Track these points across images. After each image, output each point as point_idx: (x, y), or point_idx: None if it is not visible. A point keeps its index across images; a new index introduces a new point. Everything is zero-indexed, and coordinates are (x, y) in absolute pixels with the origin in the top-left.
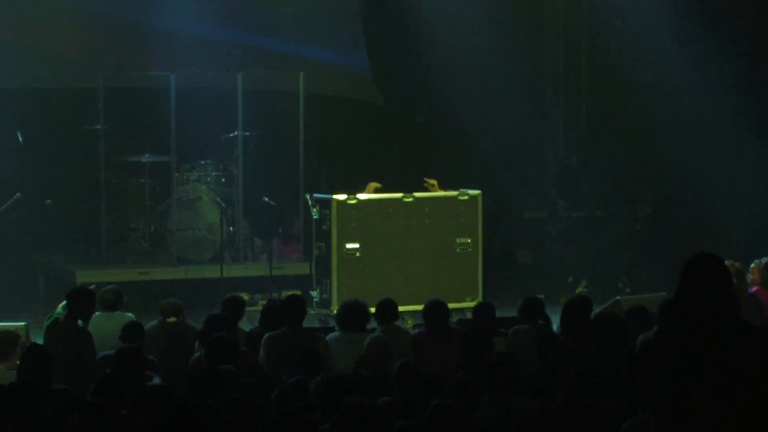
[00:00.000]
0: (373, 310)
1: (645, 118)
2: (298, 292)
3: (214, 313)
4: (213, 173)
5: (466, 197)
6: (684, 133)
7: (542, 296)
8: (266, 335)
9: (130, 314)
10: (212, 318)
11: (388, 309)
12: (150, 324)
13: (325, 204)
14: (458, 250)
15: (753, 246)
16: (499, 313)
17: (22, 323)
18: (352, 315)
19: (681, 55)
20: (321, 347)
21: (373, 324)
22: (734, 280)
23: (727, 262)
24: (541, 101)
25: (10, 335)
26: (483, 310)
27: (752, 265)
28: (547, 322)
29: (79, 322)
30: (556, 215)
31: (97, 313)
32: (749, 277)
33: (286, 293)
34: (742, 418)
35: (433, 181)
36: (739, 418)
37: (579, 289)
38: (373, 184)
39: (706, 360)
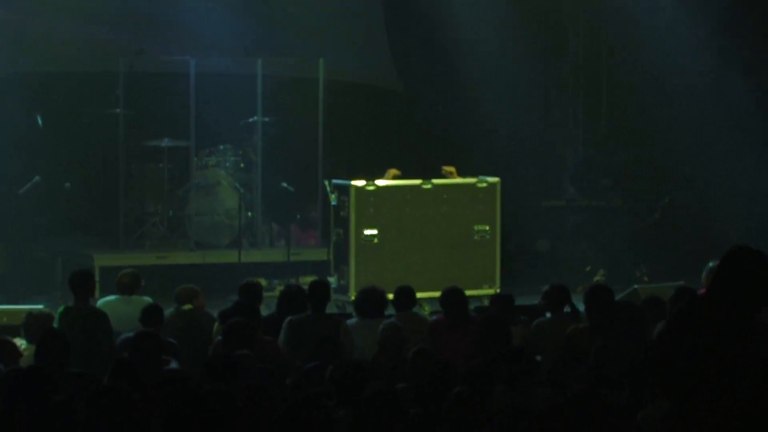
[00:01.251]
0: (390, 296)
1: (664, 111)
2: (321, 278)
3: (238, 301)
4: (232, 158)
5: (484, 184)
6: (701, 126)
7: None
8: (288, 319)
9: (148, 298)
10: (237, 305)
11: (405, 296)
12: (166, 311)
13: (344, 190)
14: (476, 237)
15: None
16: (517, 302)
17: (39, 305)
18: (370, 301)
19: (700, 49)
20: (342, 332)
21: (390, 310)
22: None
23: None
24: (561, 91)
25: (44, 317)
26: (501, 301)
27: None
28: (574, 310)
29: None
30: (575, 204)
31: (114, 296)
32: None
33: (303, 279)
34: (743, 416)
35: (452, 169)
36: (739, 417)
37: (597, 278)
38: (393, 171)
39: (711, 356)
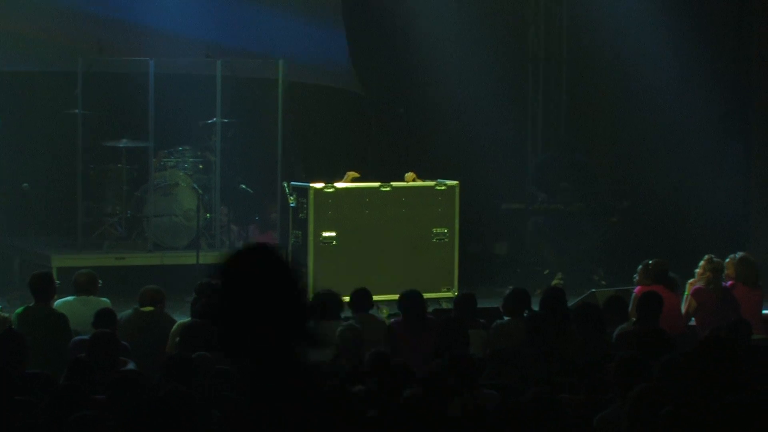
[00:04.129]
0: (347, 298)
1: (624, 115)
2: None
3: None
4: (190, 159)
5: (443, 187)
6: (663, 130)
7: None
8: None
9: (105, 299)
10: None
11: (361, 298)
12: (124, 312)
13: (303, 192)
14: (435, 240)
15: (728, 241)
16: None
17: None
18: (326, 304)
19: (664, 53)
20: None
21: (347, 313)
22: (711, 275)
23: (706, 257)
24: (521, 94)
25: (2, 321)
26: (464, 301)
27: (727, 260)
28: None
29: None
30: (533, 208)
31: (72, 297)
32: (725, 272)
33: None
34: None
35: (412, 175)
36: None
37: (555, 282)
38: (351, 173)
39: None
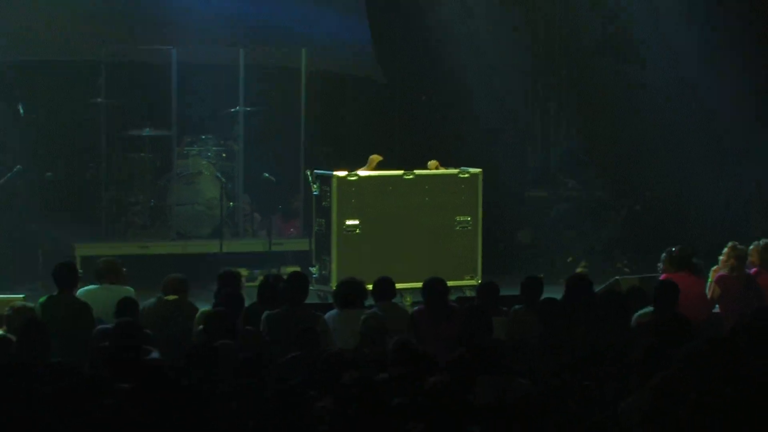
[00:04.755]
0: (370, 287)
1: (647, 103)
2: (299, 270)
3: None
4: (213, 148)
5: (466, 175)
6: (687, 116)
7: (542, 276)
8: (265, 314)
9: (129, 288)
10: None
11: (384, 287)
12: (148, 301)
13: (326, 180)
14: (458, 228)
15: (754, 229)
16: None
17: (21, 295)
18: (350, 292)
19: (688, 41)
20: (319, 326)
21: (371, 301)
22: (735, 261)
23: (730, 243)
24: (547, 80)
25: (26, 310)
26: (486, 289)
27: (751, 247)
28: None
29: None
30: (557, 195)
31: (95, 285)
32: (749, 259)
33: (285, 269)
34: None
35: (435, 163)
36: None
37: (579, 269)
38: (375, 157)
39: None
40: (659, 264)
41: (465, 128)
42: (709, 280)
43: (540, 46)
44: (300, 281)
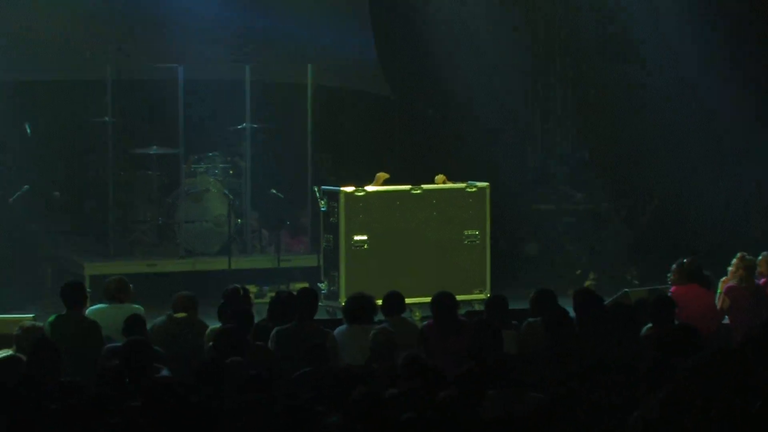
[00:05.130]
0: (380, 302)
1: (651, 113)
2: (308, 287)
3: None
4: (221, 165)
5: (474, 189)
6: (694, 127)
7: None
8: (275, 330)
9: (138, 306)
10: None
11: (394, 301)
12: (158, 319)
13: (333, 196)
14: (466, 242)
15: (763, 239)
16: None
17: (31, 315)
18: (359, 308)
19: (697, 50)
20: (328, 342)
21: (380, 316)
22: (744, 272)
23: (739, 254)
24: (550, 95)
25: (35, 330)
26: (496, 303)
27: (760, 258)
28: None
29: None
30: (563, 208)
31: (104, 304)
32: (758, 270)
33: (294, 285)
34: None
35: (443, 177)
36: None
37: (588, 282)
38: (382, 175)
39: None
40: (669, 275)
41: (465, 130)
42: (719, 291)
43: (540, 46)
44: (309, 297)
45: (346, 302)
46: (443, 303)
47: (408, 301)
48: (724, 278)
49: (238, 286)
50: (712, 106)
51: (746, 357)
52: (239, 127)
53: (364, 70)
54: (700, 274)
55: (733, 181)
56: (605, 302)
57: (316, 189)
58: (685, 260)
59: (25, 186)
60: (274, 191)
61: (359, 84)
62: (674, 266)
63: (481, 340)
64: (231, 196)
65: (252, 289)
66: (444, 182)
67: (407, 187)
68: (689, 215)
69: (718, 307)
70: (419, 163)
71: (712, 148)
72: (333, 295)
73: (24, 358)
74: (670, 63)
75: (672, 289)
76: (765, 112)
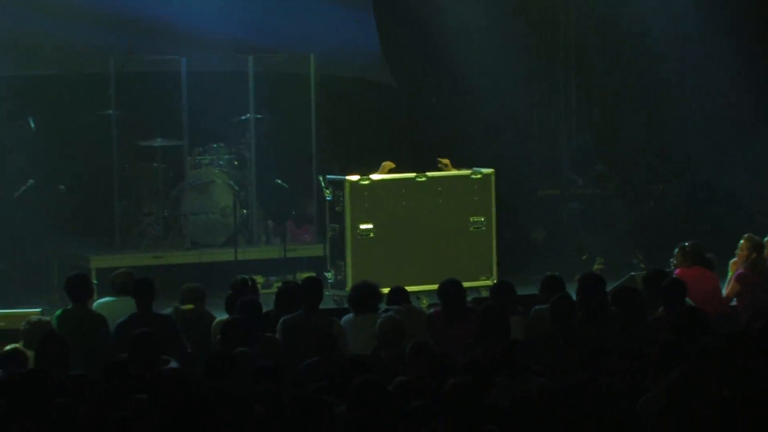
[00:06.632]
0: (386, 290)
1: (656, 98)
2: (314, 275)
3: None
4: (225, 156)
5: (479, 176)
6: (699, 112)
7: (557, 274)
8: (281, 319)
9: None
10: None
11: (398, 296)
12: (165, 311)
13: (338, 185)
14: (472, 228)
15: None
16: None
17: (38, 309)
18: (364, 296)
19: (696, 36)
20: (334, 331)
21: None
22: (755, 254)
23: (746, 235)
24: (554, 79)
25: (42, 324)
26: (502, 289)
27: (766, 239)
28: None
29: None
30: (569, 193)
31: (111, 297)
32: (766, 251)
33: (300, 275)
34: None
35: (447, 161)
36: None
37: (596, 266)
38: (387, 164)
39: None
40: (672, 260)
41: (469, 117)
42: (729, 273)
43: (544, 35)
44: (314, 286)
45: (350, 291)
46: (450, 290)
47: (414, 289)
48: (733, 260)
49: (246, 276)
50: (718, 101)
51: (753, 340)
52: (243, 118)
53: (368, 59)
54: (702, 257)
55: (736, 165)
56: (612, 286)
57: (321, 178)
58: (687, 243)
59: (30, 180)
60: (279, 181)
61: (363, 73)
62: (677, 249)
63: (488, 327)
64: (236, 187)
65: (259, 279)
66: (448, 165)
67: (412, 174)
68: (699, 208)
69: (727, 292)
70: (424, 151)
71: (714, 131)
72: (340, 284)
73: (30, 352)
74: (674, 60)
75: (676, 272)
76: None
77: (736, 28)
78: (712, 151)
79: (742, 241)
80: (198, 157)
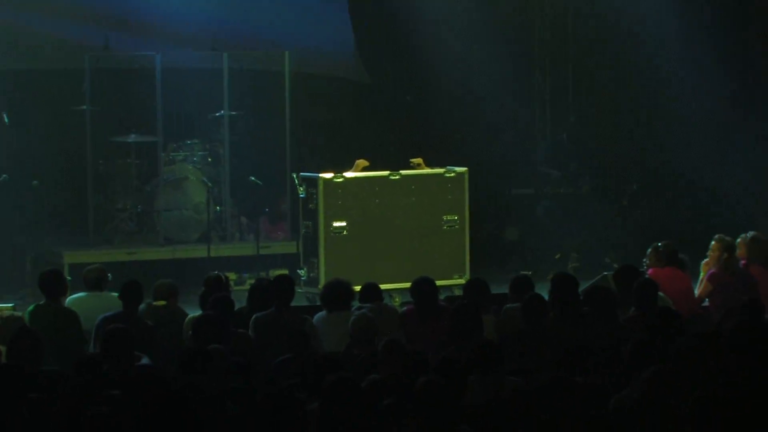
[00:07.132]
0: (358, 288)
1: (631, 96)
2: (286, 272)
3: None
4: (199, 153)
5: (452, 174)
6: (671, 111)
7: (530, 273)
8: (254, 316)
9: (116, 294)
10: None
11: (371, 292)
12: (138, 308)
13: (312, 182)
14: (445, 227)
15: (740, 222)
16: None
17: (10, 305)
18: (336, 294)
19: (670, 35)
20: (307, 328)
21: (357, 303)
22: (727, 255)
23: (717, 236)
24: (528, 78)
25: (14, 320)
26: (475, 287)
27: (738, 240)
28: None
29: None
30: (543, 192)
31: (84, 293)
32: (737, 251)
33: (273, 272)
34: None
35: (419, 160)
36: None
37: (571, 264)
38: (362, 162)
39: None
40: (645, 260)
41: (449, 127)
42: (701, 274)
43: (522, 41)
44: (285, 284)
45: (323, 289)
46: (423, 288)
47: (387, 287)
48: (705, 261)
49: (219, 273)
50: (708, 101)
51: (725, 340)
52: (217, 114)
53: (342, 57)
54: (676, 257)
55: (715, 164)
56: (585, 286)
57: (294, 176)
58: (660, 244)
59: (4, 175)
60: (253, 179)
61: (337, 71)
62: (650, 250)
63: (461, 325)
64: (210, 184)
65: (231, 276)
66: (420, 164)
67: (386, 173)
68: (676, 209)
69: (699, 292)
70: (399, 149)
71: (692, 131)
72: (313, 282)
73: (0, 348)
74: (667, 60)
75: (649, 272)
76: (757, 107)
77: (714, 32)
78: (689, 151)
79: (713, 242)
80: (172, 154)
